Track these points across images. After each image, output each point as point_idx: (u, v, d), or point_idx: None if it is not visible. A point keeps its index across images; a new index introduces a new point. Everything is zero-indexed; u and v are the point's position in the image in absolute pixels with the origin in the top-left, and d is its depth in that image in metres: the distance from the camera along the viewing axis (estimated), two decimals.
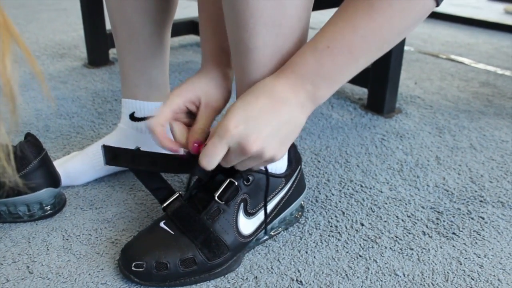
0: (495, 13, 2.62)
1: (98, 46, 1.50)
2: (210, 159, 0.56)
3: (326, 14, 2.50)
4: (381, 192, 0.86)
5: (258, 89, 0.56)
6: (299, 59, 0.55)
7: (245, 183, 0.66)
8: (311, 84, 0.55)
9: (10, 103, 0.39)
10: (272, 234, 0.73)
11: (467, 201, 0.84)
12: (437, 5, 0.53)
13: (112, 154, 0.66)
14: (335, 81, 0.55)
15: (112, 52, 1.56)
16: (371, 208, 0.82)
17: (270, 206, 0.69)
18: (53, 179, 0.77)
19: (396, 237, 0.75)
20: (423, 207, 0.82)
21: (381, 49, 0.55)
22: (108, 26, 1.41)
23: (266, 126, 0.54)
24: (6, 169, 0.43)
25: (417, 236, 0.75)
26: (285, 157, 0.70)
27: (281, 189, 0.70)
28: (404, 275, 0.67)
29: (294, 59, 0.56)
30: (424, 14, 0.53)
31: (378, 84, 1.18)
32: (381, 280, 0.66)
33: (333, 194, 0.85)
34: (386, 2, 0.51)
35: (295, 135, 0.57)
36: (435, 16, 2.41)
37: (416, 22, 0.53)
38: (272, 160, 0.57)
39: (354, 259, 0.70)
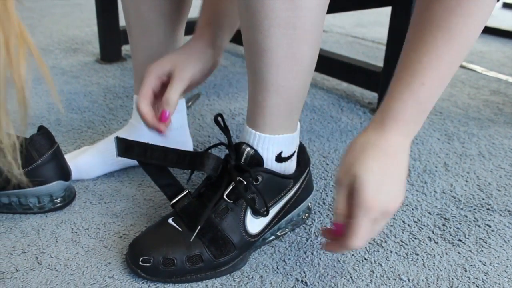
0: (508, 21, 2.61)
1: (111, 42, 1.51)
2: (363, 240, 0.55)
3: (338, 17, 2.49)
4: None
5: (372, 150, 0.55)
6: (397, 104, 0.55)
7: (254, 182, 0.66)
8: (414, 124, 0.56)
9: (21, 109, 0.40)
10: (279, 234, 0.74)
11: (474, 209, 0.84)
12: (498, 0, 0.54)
13: (124, 146, 0.67)
14: (428, 111, 0.57)
15: (125, 49, 1.58)
16: None
17: (277, 206, 0.70)
18: (64, 172, 0.78)
19: (402, 241, 0.75)
20: (429, 213, 0.82)
21: (463, 59, 0.55)
22: (121, 22, 1.42)
23: (397, 184, 0.55)
24: (13, 166, 0.44)
25: (423, 242, 0.75)
26: (295, 158, 0.71)
27: (289, 190, 0.70)
28: (408, 280, 0.67)
29: (392, 104, 0.55)
30: (492, 10, 0.53)
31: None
32: (385, 284, 0.66)
33: None
34: (462, 23, 0.51)
35: (406, 173, 0.58)
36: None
37: (487, 19, 0.54)
38: (394, 211, 0.57)
39: (359, 262, 0.70)
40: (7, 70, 0.38)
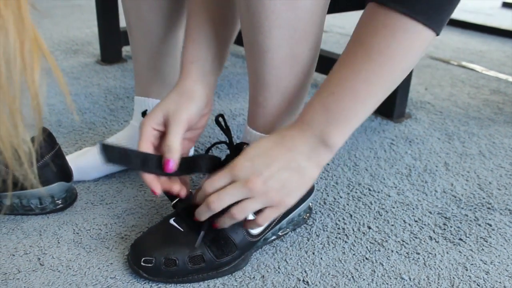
0: (508, 21, 2.61)
1: (112, 43, 1.51)
2: (212, 185, 0.58)
3: (338, 17, 2.49)
4: (389, 196, 0.87)
5: (271, 135, 0.58)
6: (307, 108, 0.56)
7: None
8: (320, 132, 0.55)
9: (36, 115, 0.40)
10: (280, 234, 0.74)
11: (475, 208, 0.84)
12: (437, 34, 0.53)
13: (111, 154, 0.65)
14: (345, 126, 0.55)
15: (125, 50, 1.58)
16: (378, 211, 0.82)
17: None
18: (65, 174, 0.79)
19: (403, 241, 0.75)
20: (430, 212, 0.82)
21: (387, 88, 0.55)
22: (122, 23, 1.42)
23: (268, 167, 0.55)
24: (28, 175, 0.44)
25: (424, 241, 0.75)
26: None
27: None
28: (410, 279, 0.67)
29: (304, 109, 0.57)
30: (425, 47, 0.53)
31: None
32: (386, 283, 0.66)
33: (341, 197, 0.86)
34: (384, 44, 0.51)
35: (304, 186, 0.58)
36: (447, 22, 2.39)
37: (418, 56, 0.54)
38: (278, 205, 0.57)
39: (361, 262, 0.70)
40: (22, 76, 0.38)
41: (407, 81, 1.18)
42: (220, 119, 0.68)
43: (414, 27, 0.51)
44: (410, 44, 0.52)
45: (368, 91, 0.53)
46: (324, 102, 0.54)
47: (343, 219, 0.80)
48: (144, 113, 0.87)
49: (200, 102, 0.66)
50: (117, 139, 0.88)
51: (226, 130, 0.69)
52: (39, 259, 0.68)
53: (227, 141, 0.68)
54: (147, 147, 0.63)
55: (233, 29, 0.70)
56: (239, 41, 1.67)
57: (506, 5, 3.10)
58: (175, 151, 0.62)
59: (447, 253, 0.73)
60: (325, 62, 1.35)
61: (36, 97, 0.39)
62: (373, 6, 0.52)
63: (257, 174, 0.55)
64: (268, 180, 0.55)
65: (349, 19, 2.39)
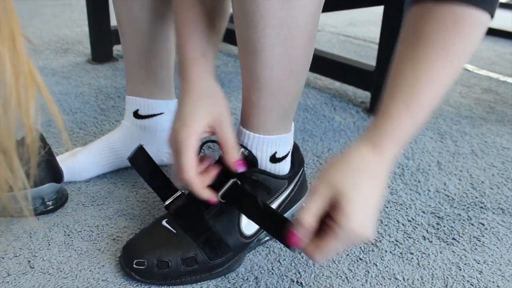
0: (499, 20, 2.63)
1: (102, 42, 1.50)
2: (327, 257, 0.53)
3: (330, 16, 2.49)
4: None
5: (369, 174, 0.52)
6: (396, 126, 0.52)
7: (249, 184, 0.66)
8: (405, 145, 0.53)
9: (32, 150, 0.40)
10: None
11: (468, 207, 0.84)
12: (492, 17, 0.52)
13: (138, 157, 0.64)
14: (408, 139, 0.54)
15: (116, 49, 1.57)
16: None
17: (272, 207, 0.69)
18: (56, 175, 0.78)
19: (397, 241, 0.75)
20: (423, 212, 0.82)
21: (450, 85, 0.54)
22: (112, 22, 1.41)
23: (375, 209, 0.52)
24: (24, 211, 0.44)
25: (417, 241, 0.75)
26: (289, 159, 0.70)
27: (283, 190, 0.70)
28: (403, 279, 0.67)
29: (390, 126, 0.52)
30: (484, 32, 0.52)
31: (381, 88, 1.18)
32: (380, 284, 0.66)
33: None
34: (459, 41, 0.50)
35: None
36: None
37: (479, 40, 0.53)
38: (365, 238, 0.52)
39: (354, 262, 0.70)
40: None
41: None
42: None
43: (481, 17, 0.50)
44: (479, 35, 0.51)
45: (444, 92, 0.52)
46: (416, 117, 0.52)
47: None
48: (136, 113, 0.86)
49: (225, 99, 0.65)
50: (108, 139, 0.87)
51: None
52: (29, 261, 0.67)
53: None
54: (192, 158, 0.60)
55: (224, 21, 0.68)
56: (231, 39, 1.66)
57: None
58: (235, 150, 0.63)
59: (441, 252, 0.73)
60: (318, 61, 1.35)
61: (31, 134, 0.39)
62: (429, 5, 0.51)
63: (367, 228, 0.50)
64: (373, 228, 0.51)
65: (341, 18, 2.39)
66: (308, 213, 0.51)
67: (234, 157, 0.62)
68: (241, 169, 0.62)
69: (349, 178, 0.51)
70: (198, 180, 0.60)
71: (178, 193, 0.69)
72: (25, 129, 0.39)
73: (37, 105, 0.40)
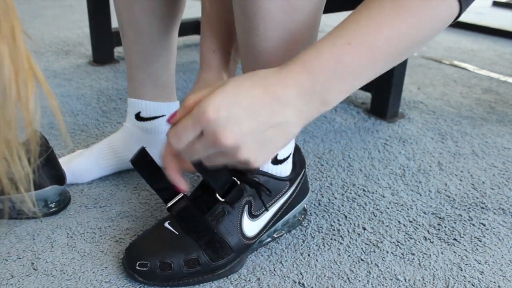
0: (499, 20, 2.63)
1: (103, 44, 1.50)
2: (179, 140, 0.48)
3: (331, 17, 2.50)
4: (383, 196, 0.87)
5: (258, 77, 0.48)
6: (313, 52, 0.47)
7: (250, 185, 0.66)
8: (322, 85, 0.47)
9: (32, 143, 0.41)
10: (275, 236, 0.74)
11: (469, 208, 0.85)
12: (460, 11, 0.49)
13: (140, 159, 0.64)
14: (349, 83, 0.48)
15: (117, 51, 1.57)
16: (373, 212, 0.82)
17: (274, 209, 0.70)
18: (59, 177, 0.78)
19: (398, 242, 0.75)
20: (424, 213, 0.83)
21: (401, 55, 0.50)
22: (113, 24, 1.41)
23: (251, 121, 0.46)
24: (26, 200, 0.45)
25: (419, 241, 0.75)
26: (290, 160, 0.71)
27: (285, 192, 0.70)
28: (405, 280, 0.67)
29: (307, 51, 0.48)
30: (449, 20, 0.50)
31: (382, 89, 1.19)
32: (382, 285, 0.66)
33: (335, 198, 0.86)
34: (417, 4, 0.46)
35: (282, 143, 0.49)
36: (441, 25, 2.41)
37: (440, 28, 0.50)
38: (246, 164, 0.48)
39: (356, 263, 0.70)
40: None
41: (400, 81, 1.18)
42: None
43: None
44: (440, 13, 0.48)
45: (385, 52, 0.48)
46: (336, 51, 0.47)
47: (338, 220, 0.80)
48: (137, 115, 0.87)
49: None
50: (110, 141, 0.88)
51: None
52: (33, 263, 0.67)
53: None
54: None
55: None
56: None
57: (496, 4, 3.12)
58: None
59: (442, 253, 0.73)
60: None
61: (31, 125, 0.40)
62: None
63: (233, 129, 0.45)
64: (245, 136, 0.46)
65: (342, 18, 2.39)
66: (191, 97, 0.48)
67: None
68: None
69: (237, 80, 0.47)
70: (173, 162, 0.58)
71: (180, 195, 0.69)
72: (24, 122, 0.40)
73: (37, 100, 0.40)
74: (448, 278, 0.68)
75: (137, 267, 0.64)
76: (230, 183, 0.65)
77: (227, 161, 0.49)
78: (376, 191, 0.89)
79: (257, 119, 0.46)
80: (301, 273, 0.68)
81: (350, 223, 0.79)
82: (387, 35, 0.47)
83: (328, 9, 1.07)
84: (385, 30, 0.47)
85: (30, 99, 0.39)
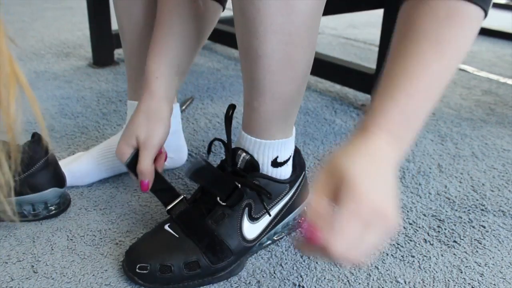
0: (498, 21, 2.63)
1: (103, 46, 1.50)
2: (346, 243, 0.44)
3: (331, 18, 2.49)
4: None
5: (365, 154, 0.48)
6: (381, 113, 0.49)
7: (250, 188, 0.66)
8: (400, 138, 0.49)
9: (13, 149, 0.40)
10: (275, 239, 0.74)
11: (469, 210, 0.85)
12: (485, 15, 0.52)
13: (135, 163, 0.67)
14: (417, 129, 0.51)
15: (117, 53, 1.57)
16: None
17: (274, 211, 0.70)
18: (59, 179, 0.78)
19: (398, 244, 0.75)
20: (424, 215, 0.83)
21: (450, 79, 0.52)
22: (113, 26, 1.42)
23: (391, 188, 0.47)
24: (5, 207, 0.44)
25: (419, 244, 0.75)
26: (290, 163, 0.71)
27: (285, 194, 0.70)
28: (405, 283, 0.67)
29: (377, 112, 0.50)
30: (478, 29, 0.52)
31: None
32: (382, 287, 0.66)
33: None
34: (451, 34, 0.49)
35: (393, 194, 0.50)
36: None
37: (474, 39, 0.52)
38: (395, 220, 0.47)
39: (356, 266, 0.70)
40: None
41: None
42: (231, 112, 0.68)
43: (474, 11, 0.50)
44: (473, 30, 0.51)
45: (440, 87, 0.50)
46: (402, 107, 0.49)
47: None
48: None
49: (168, 120, 0.70)
50: (110, 144, 0.88)
51: (228, 127, 0.68)
52: (33, 266, 0.67)
53: (225, 141, 0.68)
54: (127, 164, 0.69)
55: (197, 44, 0.74)
56: (231, 43, 1.66)
57: (496, 5, 3.13)
58: (148, 173, 0.68)
59: (442, 255, 0.73)
60: (318, 64, 1.35)
61: (11, 131, 0.39)
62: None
63: (383, 202, 0.45)
64: (385, 200, 0.46)
65: (341, 20, 2.40)
66: (315, 199, 0.47)
67: (141, 178, 0.69)
68: (142, 188, 0.69)
69: (347, 163, 0.47)
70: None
71: (180, 197, 0.70)
72: (6, 127, 0.39)
73: (20, 105, 0.40)
74: (448, 280, 0.68)
75: (137, 270, 0.64)
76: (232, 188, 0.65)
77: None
78: None
79: (390, 185, 0.47)
80: (301, 276, 0.68)
81: None
82: (437, 76, 0.49)
83: (328, 11, 1.07)
84: (435, 72, 0.49)
85: (11, 104, 0.38)
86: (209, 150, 0.74)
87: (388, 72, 0.51)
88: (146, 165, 0.67)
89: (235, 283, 0.66)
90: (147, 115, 0.69)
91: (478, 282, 0.68)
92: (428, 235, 0.78)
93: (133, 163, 0.69)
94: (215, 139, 0.72)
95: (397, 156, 0.49)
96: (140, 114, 0.69)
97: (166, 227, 0.67)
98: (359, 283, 0.67)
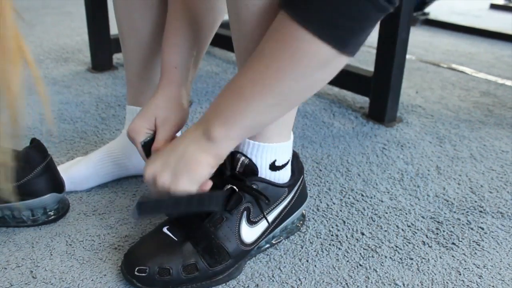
0: (496, 22, 2.64)
1: (102, 51, 1.51)
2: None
3: None
4: (382, 201, 0.87)
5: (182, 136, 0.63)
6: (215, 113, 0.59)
7: (249, 192, 0.66)
8: (206, 124, 0.59)
9: (13, 127, 0.39)
10: (274, 242, 0.74)
11: (467, 211, 0.85)
12: (347, 55, 0.52)
13: (144, 209, 0.66)
14: (229, 121, 0.57)
15: (116, 57, 1.58)
16: (371, 217, 0.82)
17: (272, 215, 0.70)
18: (57, 185, 0.78)
19: (396, 246, 0.75)
20: (423, 217, 0.83)
21: (280, 96, 0.55)
22: (112, 31, 1.42)
23: (163, 161, 0.62)
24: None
25: (417, 246, 0.75)
26: (289, 167, 0.71)
27: (283, 198, 0.70)
28: (403, 285, 0.67)
29: (211, 116, 0.60)
30: (328, 65, 0.52)
31: (380, 93, 1.19)
32: None
33: (334, 203, 0.86)
34: (273, 47, 0.52)
35: (191, 170, 0.60)
36: (436, 24, 2.42)
37: (317, 71, 0.53)
38: (169, 189, 0.61)
39: (355, 268, 0.70)
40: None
41: (398, 85, 1.19)
42: None
43: (304, 36, 0.49)
44: (302, 54, 0.51)
45: (253, 91, 0.55)
46: (215, 101, 0.59)
47: (336, 225, 0.80)
48: None
49: (187, 107, 0.73)
50: (109, 149, 0.88)
51: None
52: (32, 271, 0.68)
53: None
54: (139, 146, 0.71)
55: (210, 34, 0.76)
56: (229, 46, 1.66)
57: (494, 6, 3.13)
58: None
59: (440, 257, 0.73)
60: None
61: (14, 109, 0.38)
62: (281, 13, 0.52)
63: (158, 173, 0.61)
64: (160, 171, 0.61)
65: None
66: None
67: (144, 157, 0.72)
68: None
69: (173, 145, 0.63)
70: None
71: None
72: (8, 103, 0.38)
73: (23, 82, 0.39)
74: (447, 282, 0.68)
75: (135, 273, 0.64)
76: (229, 194, 0.65)
77: (155, 190, 0.63)
78: (374, 196, 0.89)
79: (168, 158, 0.62)
80: (299, 279, 0.68)
81: (349, 229, 0.79)
82: (251, 77, 0.55)
83: None
84: (248, 73, 0.55)
85: (16, 80, 0.37)
86: None
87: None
88: (158, 144, 0.69)
89: (233, 287, 0.66)
90: (167, 99, 0.71)
91: (477, 284, 0.68)
92: (427, 237, 0.78)
93: (148, 144, 0.70)
94: None
95: (197, 134, 0.60)
96: (159, 97, 0.71)
97: (165, 229, 0.67)
98: (358, 286, 0.67)
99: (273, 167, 0.68)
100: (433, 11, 2.61)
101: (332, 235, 0.77)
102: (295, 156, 0.74)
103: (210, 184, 0.63)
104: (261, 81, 0.54)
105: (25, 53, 0.38)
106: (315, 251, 0.74)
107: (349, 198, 0.88)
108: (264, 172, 0.68)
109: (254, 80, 0.54)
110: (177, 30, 0.71)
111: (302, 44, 0.50)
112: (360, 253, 0.73)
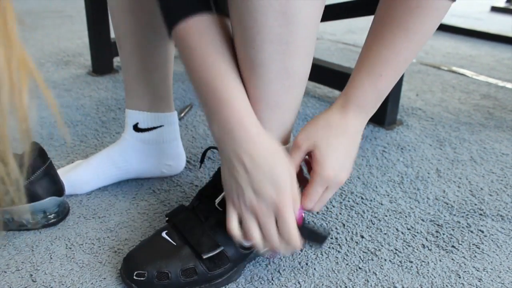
0: (497, 25, 2.64)
1: (103, 54, 1.51)
2: (314, 203, 0.62)
3: (329, 24, 2.49)
4: (382, 204, 0.87)
5: (337, 130, 0.62)
6: (359, 91, 0.62)
7: None
8: (371, 108, 0.64)
9: (25, 140, 0.39)
10: None
11: (467, 214, 0.85)
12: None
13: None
14: (379, 104, 0.64)
15: (116, 61, 1.58)
16: (371, 220, 0.82)
17: None
18: (57, 188, 0.78)
19: (396, 249, 0.75)
20: (423, 220, 0.83)
21: (413, 59, 0.63)
22: (112, 34, 1.42)
23: (349, 160, 0.63)
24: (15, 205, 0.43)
25: (417, 249, 0.75)
26: None
27: None
28: None
29: (354, 92, 0.62)
30: (445, 14, 0.60)
31: None
32: None
33: (333, 206, 0.86)
34: (419, 23, 0.58)
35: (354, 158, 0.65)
36: (437, 27, 2.42)
37: (439, 23, 0.61)
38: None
39: (354, 271, 0.70)
40: (8, 100, 0.37)
41: (398, 88, 1.19)
42: None
43: (443, 2, 0.58)
44: (439, 17, 0.59)
45: (406, 66, 0.62)
46: (375, 84, 0.61)
47: (336, 228, 0.80)
48: (135, 126, 0.87)
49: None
50: (109, 152, 0.88)
51: None
52: (31, 275, 0.68)
53: None
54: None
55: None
56: None
57: (494, 9, 3.13)
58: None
59: (440, 260, 0.73)
60: (317, 70, 1.36)
61: (25, 121, 0.38)
62: None
63: (345, 173, 0.63)
64: (349, 170, 0.63)
65: (340, 26, 2.40)
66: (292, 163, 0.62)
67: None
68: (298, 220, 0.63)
69: (321, 134, 0.62)
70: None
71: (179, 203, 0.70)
72: (19, 116, 0.38)
73: (30, 91, 0.39)
74: (447, 285, 0.68)
75: (134, 277, 0.64)
76: None
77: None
78: (374, 198, 0.89)
79: (351, 157, 0.64)
80: (299, 282, 0.68)
81: (348, 231, 0.79)
82: (404, 58, 0.61)
83: (326, 17, 1.08)
84: (402, 54, 0.60)
85: (24, 91, 0.37)
86: (202, 159, 0.74)
87: (364, 54, 0.62)
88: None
89: None
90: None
91: (477, 287, 0.68)
92: (427, 240, 0.78)
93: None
94: (210, 148, 0.72)
95: (364, 124, 0.64)
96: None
97: (163, 234, 0.67)
98: None
99: None
100: None
101: (331, 238, 0.77)
102: None
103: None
104: (413, 57, 0.61)
105: (28, 62, 0.38)
106: (314, 254, 0.74)
107: (348, 201, 0.88)
108: None
109: (408, 59, 0.61)
110: (226, 69, 0.60)
111: (443, 10, 0.59)
112: (360, 256, 0.73)
